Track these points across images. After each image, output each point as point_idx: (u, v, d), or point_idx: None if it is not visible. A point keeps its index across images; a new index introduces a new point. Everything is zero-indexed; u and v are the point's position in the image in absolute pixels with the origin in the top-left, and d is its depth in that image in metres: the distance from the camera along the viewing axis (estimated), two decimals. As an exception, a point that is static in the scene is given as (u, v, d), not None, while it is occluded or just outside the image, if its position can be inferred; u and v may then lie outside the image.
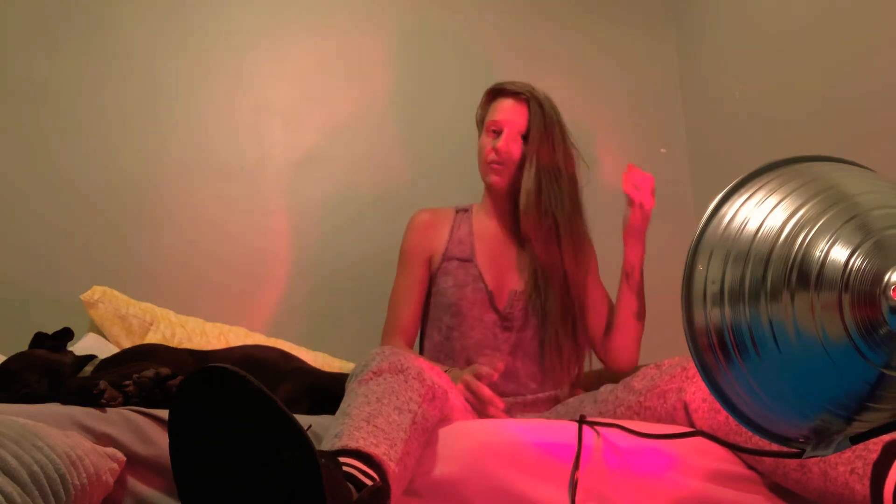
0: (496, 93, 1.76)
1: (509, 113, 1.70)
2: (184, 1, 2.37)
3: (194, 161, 2.30)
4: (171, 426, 0.80)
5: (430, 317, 1.75)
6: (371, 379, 1.08)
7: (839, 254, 0.62)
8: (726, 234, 0.69)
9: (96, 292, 1.84)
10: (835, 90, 1.86)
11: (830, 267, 0.62)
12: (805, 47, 1.97)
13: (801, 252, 0.63)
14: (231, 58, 2.37)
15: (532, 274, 1.68)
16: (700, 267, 0.70)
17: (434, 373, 1.19)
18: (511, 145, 1.67)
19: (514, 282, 1.70)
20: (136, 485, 1.03)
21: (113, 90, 2.29)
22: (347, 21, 2.48)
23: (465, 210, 1.82)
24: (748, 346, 0.66)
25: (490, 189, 1.74)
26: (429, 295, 1.76)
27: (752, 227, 0.67)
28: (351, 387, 1.10)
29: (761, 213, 0.68)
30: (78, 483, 0.86)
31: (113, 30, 2.32)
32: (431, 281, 1.75)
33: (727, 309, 0.67)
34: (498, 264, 1.72)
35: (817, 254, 0.62)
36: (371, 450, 0.93)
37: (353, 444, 0.93)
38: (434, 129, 2.44)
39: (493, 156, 1.69)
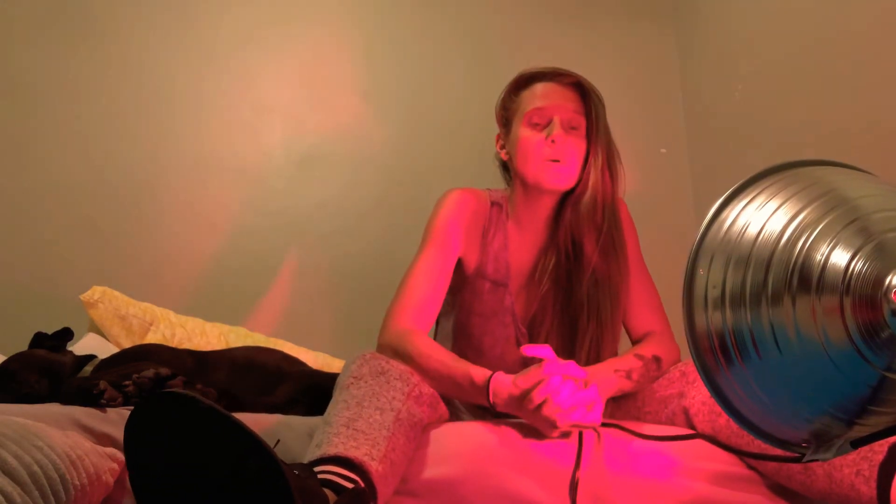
0: (531, 78, 1.42)
1: (558, 97, 1.36)
2: (184, 1, 2.37)
3: (194, 161, 2.30)
4: (129, 464, 0.78)
5: (440, 327, 1.52)
6: (352, 384, 1.07)
7: (840, 257, 0.62)
8: (727, 239, 0.69)
9: (96, 292, 1.84)
10: (835, 91, 1.86)
11: (831, 271, 0.62)
12: (805, 48, 1.97)
13: (802, 256, 0.63)
14: (231, 58, 2.37)
15: (564, 302, 1.37)
16: (701, 271, 0.70)
17: (423, 385, 1.16)
18: (569, 139, 1.34)
19: (540, 309, 1.39)
20: (136, 485, 1.03)
21: (113, 90, 2.29)
22: (348, 21, 2.48)
23: (499, 205, 1.46)
24: (749, 348, 0.66)
25: (536, 192, 1.39)
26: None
27: (752, 232, 0.67)
28: (334, 395, 1.09)
29: (762, 217, 0.68)
30: (78, 483, 0.86)
31: (113, 30, 2.32)
32: (451, 286, 1.43)
33: (728, 313, 0.67)
34: (530, 289, 1.41)
35: (818, 257, 0.62)
36: (350, 453, 0.92)
37: (331, 451, 0.92)
38: (435, 128, 2.44)
39: (548, 150, 1.33)
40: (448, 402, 1.31)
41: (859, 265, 0.61)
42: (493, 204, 1.46)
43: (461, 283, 1.43)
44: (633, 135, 2.59)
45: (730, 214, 0.71)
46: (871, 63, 1.74)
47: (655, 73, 2.63)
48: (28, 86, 2.23)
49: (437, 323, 1.54)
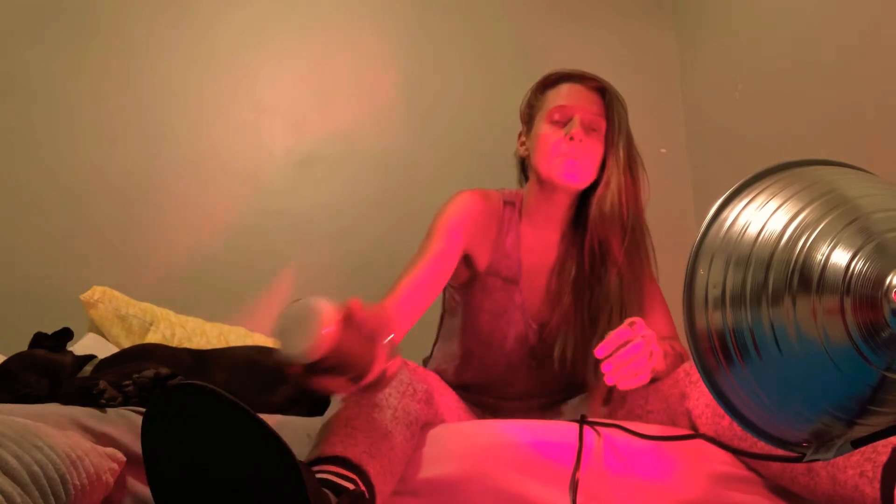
0: (558, 79, 1.45)
1: (581, 99, 1.40)
2: (184, 1, 2.37)
3: (194, 161, 2.30)
4: (145, 451, 0.78)
5: (445, 324, 1.54)
6: None
7: (840, 257, 0.62)
8: (727, 239, 0.69)
9: (96, 292, 1.84)
10: (836, 91, 1.86)
11: (832, 271, 0.62)
12: (806, 47, 1.97)
13: (803, 256, 0.63)
14: (231, 58, 2.37)
15: (581, 303, 1.39)
16: (701, 271, 0.70)
17: (417, 376, 1.18)
18: (587, 139, 1.37)
19: (553, 307, 1.42)
20: (136, 485, 1.03)
21: (113, 90, 2.29)
22: (348, 21, 2.48)
23: (513, 204, 1.48)
24: (749, 348, 0.66)
25: (550, 189, 1.41)
26: (445, 290, 1.50)
27: (752, 231, 0.67)
28: (332, 397, 1.10)
29: (762, 216, 0.68)
30: (78, 483, 0.86)
31: (113, 30, 2.32)
32: (460, 284, 1.46)
33: (728, 313, 0.67)
34: (542, 288, 1.44)
35: (818, 257, 0.62)
36: (348, 452, 0.92)
37: (329, 451, 0.92)
38: (435, 128, 2.44)
39: (566, 146, 1.35)
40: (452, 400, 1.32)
41: (859, 265, 0.61)
42: (505, 203, 1.48)
43: (472, 281, 1.44)
44: (633, 135, 2.60)
45: (730, 214, 0.71)
46: (871, 63, 1.74)
47: (655, 73, 2.63)
48: (28, 85, 2.23)
49: (442, 320, 1.56)
